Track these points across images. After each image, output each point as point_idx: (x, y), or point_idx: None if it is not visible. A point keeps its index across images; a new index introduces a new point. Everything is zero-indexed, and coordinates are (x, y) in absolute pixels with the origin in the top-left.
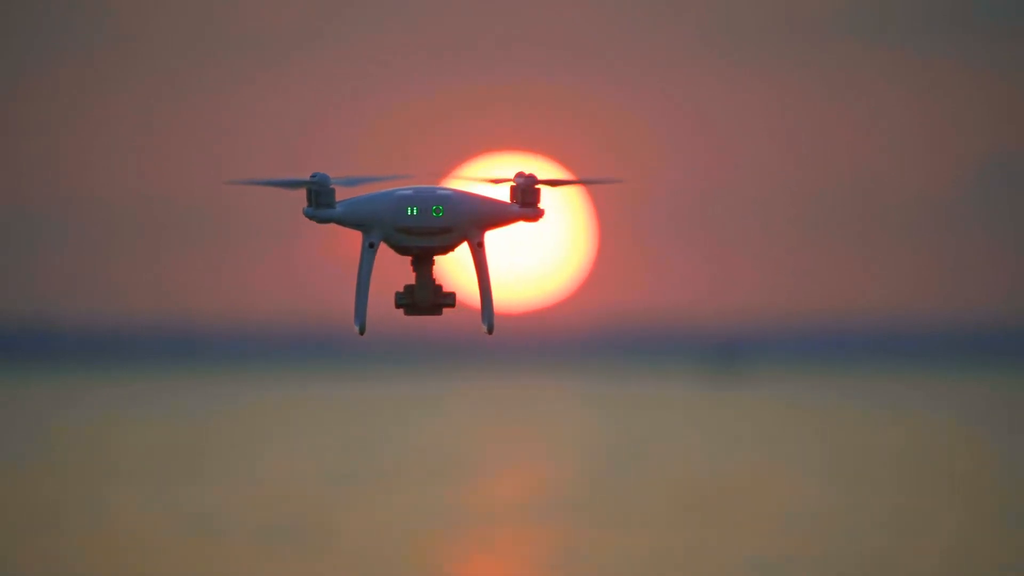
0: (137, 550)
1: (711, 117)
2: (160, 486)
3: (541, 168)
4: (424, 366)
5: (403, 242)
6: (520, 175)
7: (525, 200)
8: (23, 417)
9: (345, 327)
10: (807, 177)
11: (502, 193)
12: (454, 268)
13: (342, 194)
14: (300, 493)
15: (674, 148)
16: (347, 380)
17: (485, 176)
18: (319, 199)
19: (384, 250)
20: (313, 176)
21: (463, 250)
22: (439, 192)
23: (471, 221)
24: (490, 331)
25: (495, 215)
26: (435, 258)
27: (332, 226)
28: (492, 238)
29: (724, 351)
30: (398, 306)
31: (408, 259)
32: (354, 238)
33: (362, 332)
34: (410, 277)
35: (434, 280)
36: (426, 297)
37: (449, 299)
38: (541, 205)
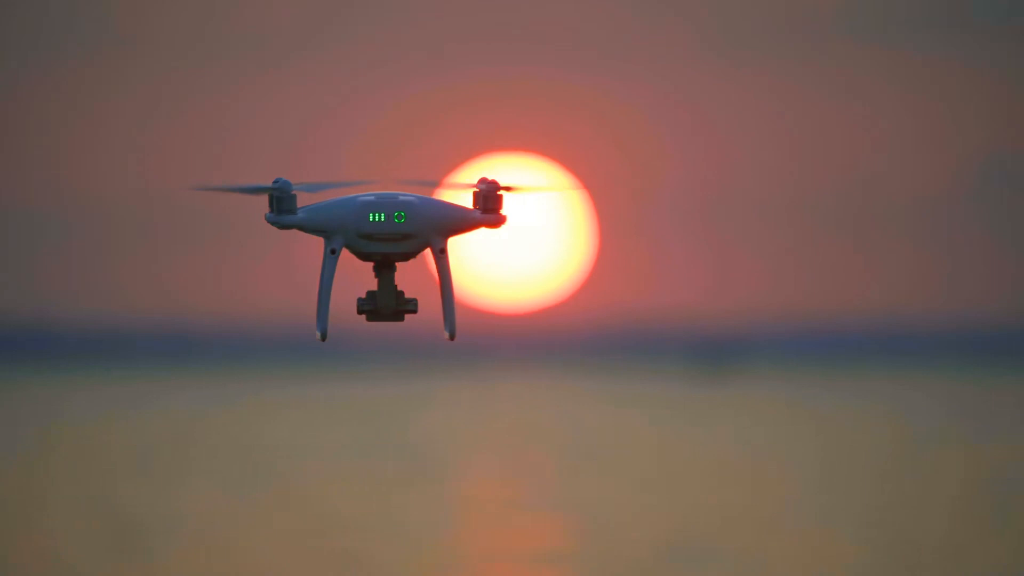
0: (137, 549)
1: (711, 118)
2: (160, 485)
3: (540, 168)
4: (425, 366)
5: (365, 248)
6: (483, 181)
7: (487, 206)
8: (23, 417)
9: (344, 326)
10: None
11: (465, 199)
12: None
13: (305, 200)
14: (300, 493)
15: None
16: (346, 380)
17: (449, 182)
18: (281, 205)
19: (347, 256)
20: (275, 182)
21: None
22: (401, 198)
23: (433, 227)
24: (451, 337)
25: (457, 221)
26: (397, 264)
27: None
28: (492, 239)
29: (714, 350)
30: (360, 312)
31: (370, 265)
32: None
33: (323, 338)
34: (372, 283)
35: (396, 286)
36: (388, 303)
37: (411, 305)
38: (503, 211)
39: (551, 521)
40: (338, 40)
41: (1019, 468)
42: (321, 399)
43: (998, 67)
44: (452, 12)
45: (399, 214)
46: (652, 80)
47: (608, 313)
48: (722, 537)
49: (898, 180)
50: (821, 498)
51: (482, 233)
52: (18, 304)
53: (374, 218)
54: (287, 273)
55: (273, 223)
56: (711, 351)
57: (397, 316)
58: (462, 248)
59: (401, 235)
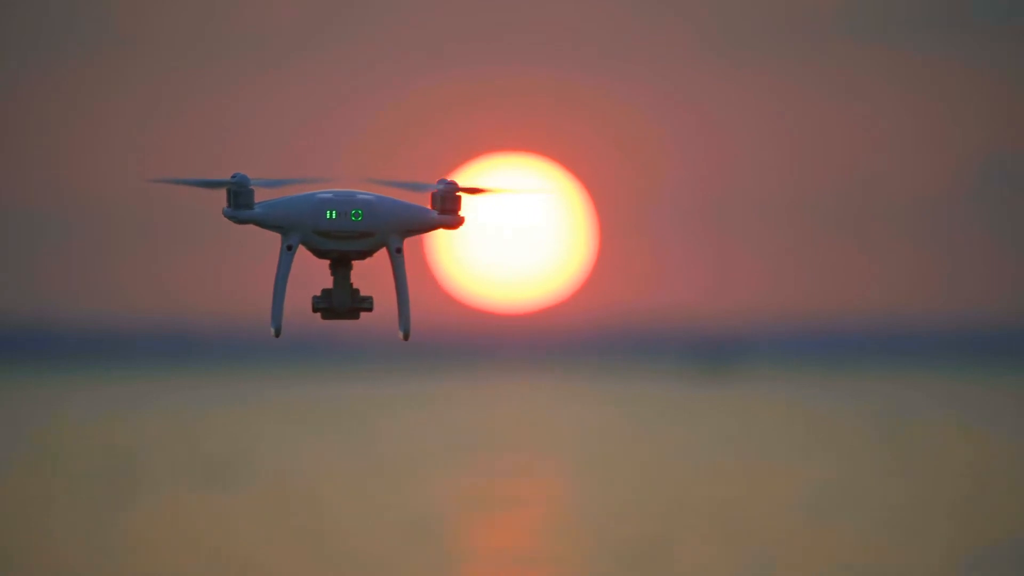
0: (137, 549)
1: (711, 118)
2: (160, 485)
3: (541, 169)
4: (425, 366)
5: (322, 245)
6: (441, 181)
7: (445, 207)
8: (23, 417)
9: (342, 327)
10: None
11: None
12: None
13: (264, 195)
14: (300, 493)
15: (674, 149)
16: (345, 380)
17: (407, 181)
18: (238, 200)
19: (304, 254)
20: (233, 176)
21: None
22: (359, 196)
23: (390, 226)
24: (406, 337)
25: (414, 221)
26: (353, 262)
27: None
28: (495, 239)
29: (711, 350)
30: (315, 310)
31: (326, 263)
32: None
33: (277, 335)
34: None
35: (352, 284)
36: (344, 301)
37: (367, 303)
38: (461, 213)
39: (550, 521)
40: (338, 40)
41: (1019, 468)
42: (321, 399)
43: (998, 67)
44: (452, 12)
45: (356, 212)
46: (652, 80)
47: (608, 313)
48: (722, 537)
49: (898, 180)
50: (821, 498)
51: (482, 233)
52: (18, 304)
53: (331, 215)
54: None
55: (230, 217)
56: (708, 351)
57: (352, 314)
58: (462, 248)
59: (358, 233)
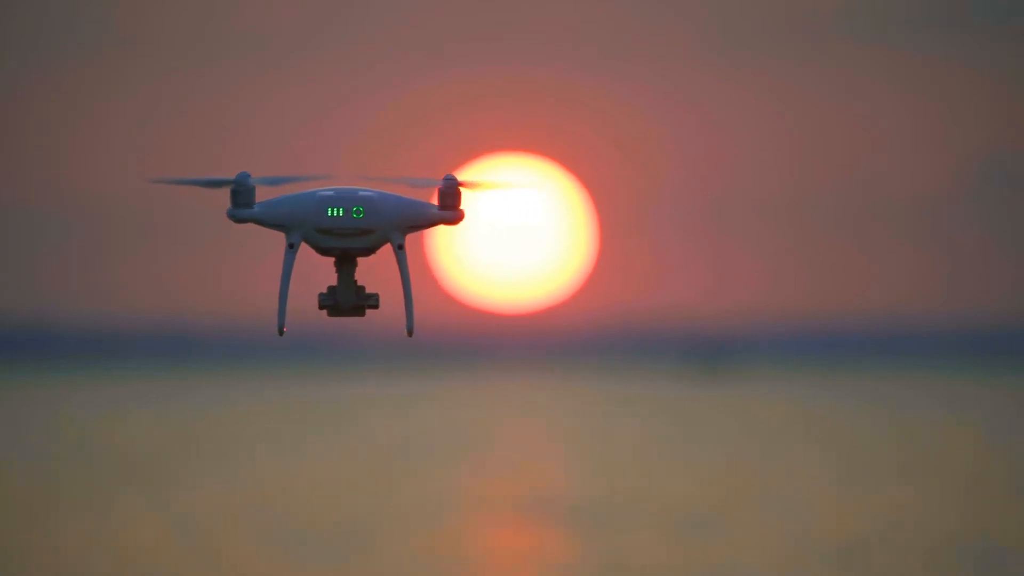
0: (138, 549)
1: (712, 117)
2: (160, 486)
3: (541, 169)
4: (425, 366)
5: (324, 243)
6: (447, 177)
7: (446, 202)
8: (23, 417)
9: (342, 326)
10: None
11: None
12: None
13: (265, 194)
14: (300, 493)
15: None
16: (346, 380)
17: (409, 177)
18: (237, 199)
19: (310, 252)
20: (236, 176)
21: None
22: (360, 193)
23: (392, 223)
24: (410, 333)
25: (415, 217)
26: (358, 259)
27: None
28: (495, 239)
29: (708, 349)
30: (321, 307)
31: (331, 260)
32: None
33: (281, 332)
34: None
35: (356, 281)
36: (349, 298)
37: (372, 300)
38: (462, 207)
39: (550, 521)
40: (338, 40)
41: (1019, 468)
42: (321, 399)
43: (998, 67)
44: (452, 12)
45: (357, 209)
46: (653, 80)
47: (608, 313)
48: (721, 537)
49: (898, 180)
50: (821, 498)
51: (482, 233)
52: (18, 304)
53: (332, 213)
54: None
55: (231, 217)
56: (708, 351)
57: (357, 311)
58: (463, 248)
59: (359, 230)
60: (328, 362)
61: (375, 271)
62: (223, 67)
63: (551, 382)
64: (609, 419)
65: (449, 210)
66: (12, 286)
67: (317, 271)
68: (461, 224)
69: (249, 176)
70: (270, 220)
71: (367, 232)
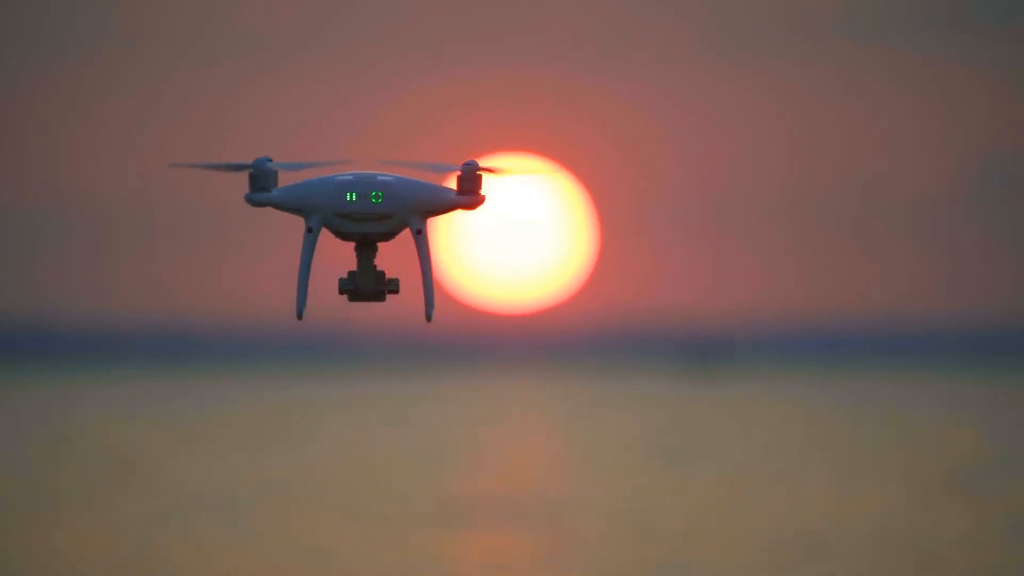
0: (138, 551)
1: (711, 117)
2: (159, 486)
3: (540, 168)
4: (425, 365)
5: (343, 228)
6: (467, 163)
7: (464, 187)
8: (23, 417)
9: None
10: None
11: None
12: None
13: (287, 179)
14: (300, 493)
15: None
16: (344, 380)
17: (429, 161)
18: (255, 183)
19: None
20: (255, 160)
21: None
22: (379, 178)
23: (411, 207)
24: (429, 319)
25: (434, 202)
26: (378, 244)
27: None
28: (496, 239)
29: (703, 349)
30: (341, 292)
31: (352, 245)
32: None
33: (300, 317)
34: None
35: (376, 266)
36: (369, 283)
37: (392, 285)
38: (482, 192)
39: (549, 521)
40: (338, 40)
41: (1019, 468)
42: (321, 399)
43: (998, 67)
44: (452, 12)
45: (376, 194)
46: (652, 80)
47: (608, 313)
48: (720, 537)
49: (898, 180)
50: (820, 498)
51: (482, 233)
52: (18, 304)
53: (351, 197)
54: (288, 273)
55: (249, 201)
56: (707, 351)
57: (378, 296)
58: (463, 247)
59: (378, 215)
60: (328, 362)
61: (397, 258)
62: (223, 67)
63: (551, 382)
64: (609, 419)
65: (468, 195)
66: (12, 286)
67: (332, 256)
68: (473, 212)
69: (269, 160)
70: (288, 204)
71: (385, 217)
